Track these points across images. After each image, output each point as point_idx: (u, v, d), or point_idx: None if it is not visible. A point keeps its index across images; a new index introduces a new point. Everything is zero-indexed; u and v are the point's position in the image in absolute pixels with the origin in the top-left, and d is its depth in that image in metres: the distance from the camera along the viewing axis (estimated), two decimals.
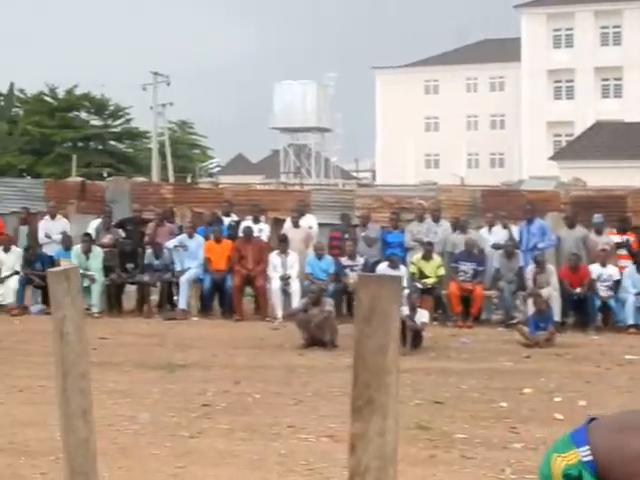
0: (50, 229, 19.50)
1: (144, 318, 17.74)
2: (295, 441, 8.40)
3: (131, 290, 18.96)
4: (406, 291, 14.54)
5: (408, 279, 16.89)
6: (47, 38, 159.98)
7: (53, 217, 19.80)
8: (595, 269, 16.99)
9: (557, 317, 16.07)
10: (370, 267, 17.46)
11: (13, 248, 18.70)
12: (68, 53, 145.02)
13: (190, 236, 18.47)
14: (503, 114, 75.73)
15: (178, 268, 18.25)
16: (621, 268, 17.20)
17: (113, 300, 18.59)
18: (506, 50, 72.02)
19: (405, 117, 75.36)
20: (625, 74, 67.62)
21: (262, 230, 18.94)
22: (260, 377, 11.67)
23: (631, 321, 16.52)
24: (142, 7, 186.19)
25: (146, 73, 58.96)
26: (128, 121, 72.42)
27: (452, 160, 74.06)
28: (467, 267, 17.40)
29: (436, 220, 18.59)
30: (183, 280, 17.93)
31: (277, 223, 20.13)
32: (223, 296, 18.27)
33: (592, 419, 3.55)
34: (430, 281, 17.22)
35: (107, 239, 18.79)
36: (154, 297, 18.58)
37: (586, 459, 3.42)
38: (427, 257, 17.43)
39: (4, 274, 18.27)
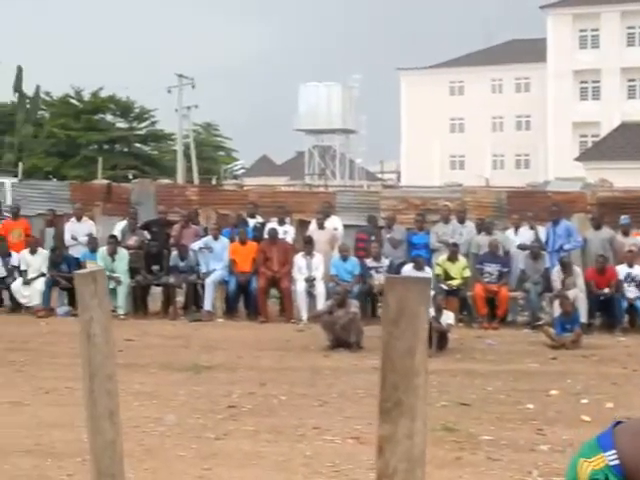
0: (76, 231, 19.56)
1: (169, 320, 17.77)
2: (320, 443, 8.39)
3: (157, 292, 19.00)
4: (432, 292, 14.49)
5: (433, 280, 16.84)
6: (73, 41, 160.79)
7: (79, 219, 19.87)
8: (622, 270, 16.90)
9: (583, 318, 15.98)
10: (395, 269, 17.43)
11: (39, 250, 18.78)
12: (94, 56, 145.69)
13: (215, 238, 18.50)
14: (529, 115, 75.44)
15: (203, 270, 18.27)
16: None
17: (139, 302, 18.64)
18: (532, 51, 71.71)
19: (430, 118, 75.18)
20: None
21: (287, 232, 18.94)
22: (285, 379, 11.66)
23: None
24: (167, 10, 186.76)
25: (171, 75, 59.11)
26: (153, 123, 72.69)
27: (477, 161, 73.82)
28: (492, 268, 17.34)
29: (461, 221, 18.54)
30: (208, 282, 17.95)
31: (302, 225, 20.12)
32: (248, 298, 18.27)
33: (618, 422, 3.52)
34: (455, 282, 17.17)
35: (133, 241, 18.83)
36: (179, 299, 18.62)
37: (613, 463, 3.39)
38: (452, 258, 17.38)
39: (30, 276, 18.34)
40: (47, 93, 72.69)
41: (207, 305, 17.97)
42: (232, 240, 18.52)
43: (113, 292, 17.21)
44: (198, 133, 76.43)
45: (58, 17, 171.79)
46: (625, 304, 16.68)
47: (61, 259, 18.50)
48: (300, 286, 17.65)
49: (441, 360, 12.82)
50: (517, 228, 18.30)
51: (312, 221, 19.28)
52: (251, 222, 19.43)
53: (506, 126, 76.81)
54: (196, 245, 18.44)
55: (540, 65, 70.69)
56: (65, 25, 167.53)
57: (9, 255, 18.83)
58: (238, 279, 18.02)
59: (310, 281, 17.62)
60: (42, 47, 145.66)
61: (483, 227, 18.27)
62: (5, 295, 19.28)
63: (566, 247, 17.64)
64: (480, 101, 74.74)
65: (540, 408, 10.05)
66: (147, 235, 19.18)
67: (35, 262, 18.55)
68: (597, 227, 17.93)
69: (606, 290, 16.62)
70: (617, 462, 3.37)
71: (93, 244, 18.65)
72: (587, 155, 53.22)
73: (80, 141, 67.49)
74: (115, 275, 17.56)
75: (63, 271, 18.25)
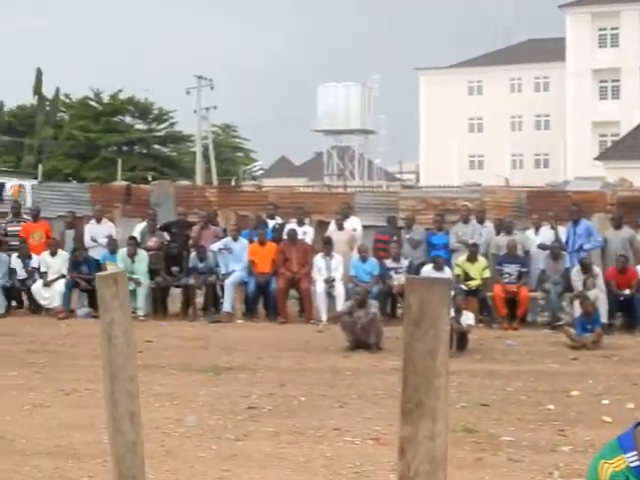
0: (96, 233, 19.61)
1: (189, 321, 17.79)
2: (341, 444, 8.38)
3: (176, 293, 19.03)
4: (451, 293, 14.45)
5: (453, 281, 16.79)
6: (92, 43, 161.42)
7: (99, 221, 19.92)
8: None
9: (604, 319, 15.89)
10: (414, 269, 17.40)
11: (59, 252, 18.83)
12: (113, 58, 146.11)
13: (234, 239, 18.51)
14: (548, 114, 75.22)
15: (223, 271, 18.29)
16: None
17: (158, 303, 18.66)
18: (551, 50, 71.51)
19: (449, 118, 75.06)
20: None
21: (306, 233, 18.94)
22: (305, 380, 11.65)
23: None
24: (185, 12, 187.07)
25: (190, 77, 59.27)
26: (172, 125, 72.86)
27: (496, 161, 73.65)
28: (511, 269, 17.28)
29: (481, 221, 18.49)
30: (228, 283, 17.96)
31: (321, 225, 20.12)
32: (268, 299, 18.27)
33: (639, 423, 3.50)
34: (475, 283, 17.12)
35: (152, 242, 18.86)
36: (199, 300, 18.64)
37: (634, 465, 3.37)
38: (472, 259, 17.32)
39: (51, 277, 18.39)
40: (66, 95, 72.99)
41: (226, 306, 17.98)
42: (251, 241, 18.53)
43: (133, 293, 17.24)
44: (217, 134, 76.58)
45: (78, 19, 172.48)
46: None
47: (81, 261, 18.55)
48: (319, 287, 17.63)
49: (461, 361, 12.78)
50: (537, 228, 18.24)
51: (331, 222, 19.26)
52: (270, 223, 19.44)
53: (525, 126, 76.64)
54: (215, 246, 18.46)
55: (559, 64, 70.50)
56: (84, 27, 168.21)
57: (29, 257, 18.89)
58: (257, 280, 18.02)
59: (329, 282, 17.61)
60: (61, 49, 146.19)
61: (503, 227, 18.21)
62: (25, 297, 19.35)
63: (586, 247, 17.57)
64: (499, 101, 74.60)
65: (561, 409, 10.01)
66: (167, 236, 19.21)
67: (55, 264, 18.60)
68: (617, 227, 17.85)
69: (626, 290, 16.55)
70: (638, 463, 3.36)
71: (113, 246, 18.69)
72: (607, 154, 53.00)
73: (99, 143, 67.72)
74: (135, 276, 17.59)
75: (83, 273, 18.31)
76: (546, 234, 18.02)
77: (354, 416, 9.52)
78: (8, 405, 10.08)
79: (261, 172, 77.51)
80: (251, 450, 8.12)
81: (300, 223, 19.06)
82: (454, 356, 12.91)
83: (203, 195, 23.38)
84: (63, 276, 18.41)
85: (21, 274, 18.80)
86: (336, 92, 76.27)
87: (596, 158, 54.60)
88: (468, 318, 14.12)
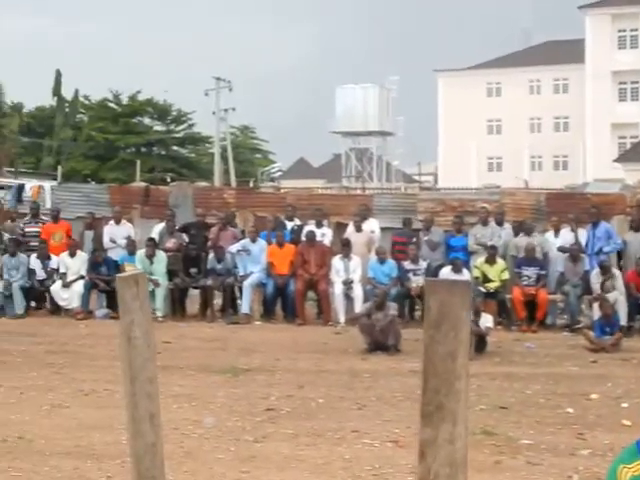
0: (115, 234, 19.67)
1: (207, 322, 17.82)
2: (359, 446, 8.37)
3: (194, 294, 19.06)
4: None
5: (471, 283, 16.74)
6: (111, 45, 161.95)
7: (118, 222, 19.97)
8: None
9: (623, 321, 15.83)
10: (433, 271, 17.37)
11: (78, 253, 18.89)
12: (132, 60, 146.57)
13: (253, 240, 18.53)
14: (567, 116, 75.00)
15: (241, 272, 18.31)
16: None
17: (177, 304, 18.69)
18: (570, 51, 71.32)
19: (467, 120, 74.93)
20: None
21: (325, 234, 18.93)
22: (323, 382, 11.65)
23: None
24: (204, 13, 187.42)
25: (208, 79, 59.32)
26: (190, 126, 73.08)
27: (515, 163, 73.47)
28: (530, 272, 17.23)
29: (500, 223, 18.44)
30: (246, 284, 17.98)
31: (339, 227, 20.12)
32: (286, 300, 18.28)
33: None
34: (494, 285, 17.07)
35: (171, 244, 18.89)
36: (217, 301, 18.66)
37: None
38: (491, 261, 17.29)
39: (70, 278, 18.45)
40: (86, 97, 73.29)
41: (245, 308, 18.00)
42: (269, 242, 18.54)
43: (151, 294, 17.25)
44: (235, 136, 76.69)
45: (97, 22, 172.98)
46: None
47: (100, 262, 18.60)
48: (338, 289, 17.63)
49: (480, 363, 12.74)
50: (557, 230, 18.18)
51: (349, 224, 19.26)
52: (289, 225, 19.44)
53: (544, 127, 76.44)
54: (234, 248, 18.48)
55: (578, 66, 70.31)
56: (103, 29, 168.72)
57: (48, 258, 18.96)
58: (276, 282, 18.03)
59: (348, 284, 17.60)
60: (81, 51, 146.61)
61: (523, 229, 18.16)
62: (45, 297, 19.42)
63: (605, 249, 17.50)
64: (518, 102, 74.41)
65: (580, 412, 9.97)
66: (185, 238, 19.24)
67: (74, 265, 18.66)
68: (637, 229, 17.77)
69: None
70: None
71: (132, 247, 18.74)
72: (626, 156, 52.86)
73: (118, 144, 67.96)
74: (153, 278, 17.62)
75: (102, 274, 18.38)
76: (566, 236, 17.96)
77: (372, 418, 9.51)
78: (27, 405, 10.11)
79: (279, 174, 77.50)
80: (270, 452, 8.12)
81: (318, 225, 19.06)
82: (473, 359, 12.86)
83: (221, 196, 23.41)
84: (82, 277, 18.47)
85: (40, 275, 18.88)
86: (354, 94, 76.19)
87: (615, 160, 54.48)
88: (487, 320, 14.08)
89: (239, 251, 18.44)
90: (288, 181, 65.80)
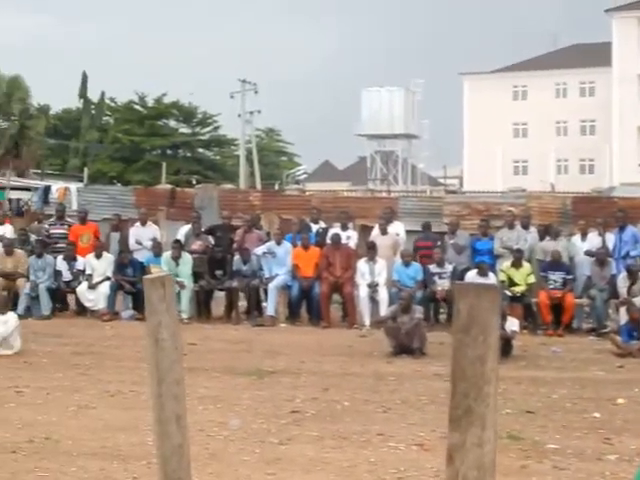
0: (141, 235, 19.72)
1: (232, 324, 17.84)
2: (385, 449, 8.35)
3: (219, 296, 19.09)
4: None
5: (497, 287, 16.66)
6: (137, 47, 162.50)
7: (144, 224, 20.03)
8: None
9: None
10: (459, 275, 17.32)
11: (104, 254, 18.95)
12: (157, 62, 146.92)
13: (278, 243, 18.54)
14: (593, 119, 74.67)
15: (266, 275, 18.32)
16: None
17: (202, 306, 18.73)
18: (596, 55, 71.01)
19: (493, 123, 74.75)
20: None
21: (350, 237, 18.92)
22: (348, 384, 11.64)
23: None
24: (229, 16, 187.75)
25: (234, 81, 59.43)
26: (216, 129, 73.31)
27: (540, 166, 73.21)
28: (556, 276, 17.16)
29: (526, 227, 18.38)
30: (271, 287, 17.99)
31: (365, 230, 20.11)
32: (311, 303, 18.28)
33: None
34: (520, 289, 17.01)
35: (197, 246, 18.94)
36: (242, 303, 18.68)
37: None
38: (517, 265, 17.22)
39: (96, 280, 18.51)
40: (112, 99, 73.72)
41: (270, 310, 18.01)
42: (294, 245, 18.55)
43: (177, 296, 17.22)
44: (260, 138, 76.85)
45: (123, 24, 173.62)
46: None
47: (126, 263, 18.66)
48: (363, 291, 17.61)
49: (505, 367, 12.67)
50: (584, 234, 18.10)
51: (375, 226, 19.24)
52: (314, 227, 19.45)
53: (570, 131, 76.13)
54: (259, 250, 18.50)
55: (605, 69, 69.98)
56: (129, 32, 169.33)
57: (75, 259, 19.04)
58: (301, 284, 18.04)
59: (373, 286, 17.58)
60: (107, 53, 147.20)
61: (550, 233, 18.10)
62: (71, 299, 19.50)
63: (632, 253, 17.42)
64: (544, 106, 74.15)
65: (607, 417, 9.92)
66: (211, 240, 19.28)
67: (100, 266, 18.72)
68: None
69: None
70: None
71: (157, 248, 18.79)
72: None
73: (144, 146, 68.27)
74: (179, 280, 17.66)
75: (128, 275, 18.44)
76: (593, 240, 17.88)
77: (398, 421, 9.49)
78: (54, 406, 10.15)
79: (304, 176, 77.62)
80: (295, 454, 8.11)
81: (344, 227, 19.05)
82: (498, 362, 12.82)
83: (247, 199, 23.49)
84: (108, 278, 18.53)
85: (66, 276, 18.96)
86: (380, 96, 76.18)
87: None
88: (512, 324, 14.02)
89: (264, 253, 18.46)
90: (313, 184, 65.84)
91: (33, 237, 20.19)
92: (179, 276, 17.80)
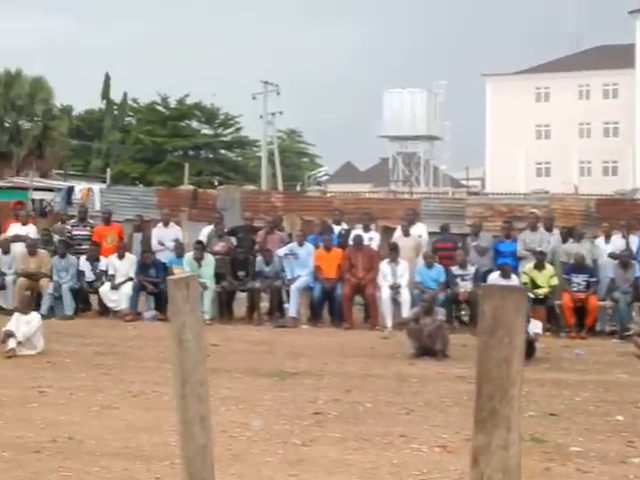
0: (163, 236, 19.76)
1: (254, 325, 17.85)
2: (408, 451, 8.33)
3: (241, 297, 19.11)
4: None
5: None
6: (159, 49, 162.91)
7: (166, 224, 20.07)
8: None
9: None
10: (481, 276, 17.27)
11: (127, 255, 19.00)
12: (179, 63, 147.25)
13: (300, 244, 18.55)
14: (617, 121, 74.41)
15: (288, 276, 18.32)
16: None
17: (224, 307, 18.76)
18: (620, 56, 70.76)
19: (516, 125, 74.60)
20: None
21: (372, 238, 18.90)
22: (371, 386, 11.63)
23: None
24: (251, 17, 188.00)
25: (256, 82, 59.50)
26: (238, 130, 73.40)
27: (563, 168, 73.00)
28: (579, 279, 17.09)
29: (549, 229, 18.32)
30: (293, 288, 17.99)
31: (387, 232, 20.08)
32: (333, 304, 18.27)
33: None
34: (542, 291, 16.94)
35: (219, 247, 18.96)
36: (264, 304, 18.68)
37: None
38: (539, 267, 17.15)
39: (118, 280, 18.57)
40: (134, 100, 73.88)
41: (292, 311, 18.01)
42: (317, 246, 18.55)
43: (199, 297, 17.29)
44: (282, 140, 76.91)
45: (144, 24, 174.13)
46: None
47: (149, 264, 18.71)
48: (385, 293, 17.59)
49: (528, 370, 12.59)
50: (608, 236, 18.01)
51: (397, 228, 19.21)
52: (336, 229, 19.44)
53: (593, 132, 75.89)
54: (281, 251, 18.51)
55: (629, 71, 69.75)
56: (152, 33, 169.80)
57: (98, 260, 19.10)
58: (323, 285, 18.03)
59: (395, 288, 17.56)
60: (129, 55, 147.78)
61: (573, 235, 18.03)
62: (93, 299, 19.57)
63: None
64: (567, 107, 73.96)
65: (630, 420, 9.87)
66: (233, 241, 19.31)
67: (123, 267, 18.77)
68: None
69: None
70: None
71: (180, 249, 18.83)
72: None
73: (166, 147, 68.42)
74: (201, 280, 17.67)
75: (150, 276, 18.49)
76: (617, 242, 17.80)
77: (420, 423, 9.47)
78: (77, 406, 10.19)
79: (326, 177, 77.65)
80: (317, 455, 8.11)
81: (366, 229, 19.03)
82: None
83: (269, 200, 23.52)
84: (131, 279, 18.58)
85: (89, 276, 19.02)
86: (402, 98, 76.12)
87: None
88: (535, 326, 13.96)
89: (287, 255, 18.46)
90: (335, 185, 65.86)
91: (56, 237, 20.27)
92: (201, 277, 17.80)
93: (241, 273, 18.56)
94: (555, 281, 17.10)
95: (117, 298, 18.54)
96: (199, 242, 18.70)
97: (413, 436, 8.84)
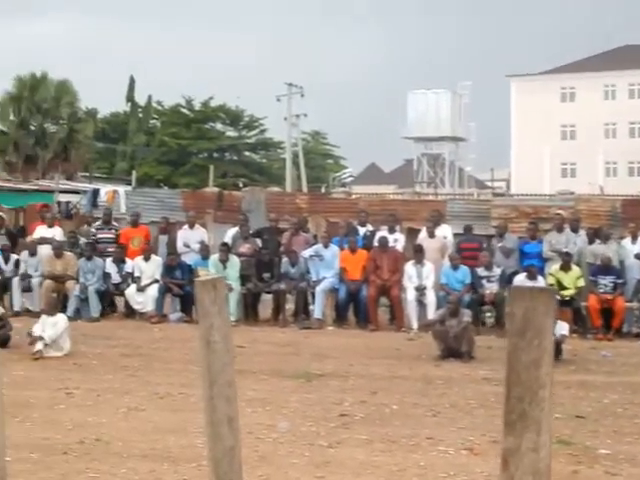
0: (188, 238, 19.81)
1: (280, 327, 17.86)
2: (434, 453, 8.31)
3: (267, 299, 19.12)
4: None
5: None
6: (183, 51, 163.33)
7: (192, 227, 20.12)
8: None
9: None
10: (507, 278, 17.21)
11: (153, 257, 19.06)
12: (204, 66, 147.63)
13: (325, 246, 18.54)
14: None
15: (314, 278, 18.32)
16: None
17: (249, 309, 18.77)
18: None
19: (541, 125, 74.34)
20: None
21: (397, 240, 18.88)
22: (397, 388, 11.61)
23: None
24: (275, 19, 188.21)
25: (280, 84, 59.56)
26: (262, 132, 73.48)
27: (589, 169, 72.68)
28: (606, 281, 17.00)
29: (575, 230, 18.23)
30: (319, 290, 17.99)
31: (412, 233, 20.04)
32: (358, 306, 18.25)
33: None
34: (569, 292, 16.86)
35: (245, 248, 18.99)
36: (289, 306, 18.69)
37: None
38: (566, 268, 17.07)
39: (144, 282, 18.62)
40: (159, 102, 74.10)
41: (317, 313, 18.01)
42: (342, 248, 18.54)
43: None
44: (307, 141, 76.94)
45: (169, 27, 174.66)
46: None
47: (175, 266, 18.75)
48: (410, 295, 17.56)
49: (555, 371, 12.49)
50: (634, 237, 17.90)
51: (422, 229, 19.18)
52: (361, 230, 19.44)
53: (619, 133, 75.53)
54: (306, 253, 18.51)
55: None
56: (176, 35, 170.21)
57: (123, 262, 19.17)
58: (348, 287, 18.02)
59: (420, 290, 17.52)
60: (154, 57, 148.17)
61: (600, 236, 17.94)
62: (119, 301, 19.64)
63: None
64: (592, 107, 73.62)
65: None
66: (259, 243, 19.33)
67: (148, 269, 18.83)
68: None
69: None
70: None
71: (205, 251, 18.87)
72: None
73: (190, 150, 68.61)
74: (227, 282, 17.67)
75: (176, 278, 18.52)
76: None
77: (447, 425, 9.45)
78: (104, 408, 10.23)
79: (350, 179, 77.65)
80: (344, 457, 8.10)
81: (391, 230, 19.01)
82: None
83: (294, 202, 23.51)
84: (156, 281, 18.63)
85: (115, 278, 19.09)
86: (426, 99, 76.12)
87: None
88: (562, 328, 13.90)
89: (312, 256, 18.47)
90: (359, 186, 65.83)
91: (82, 240, 20.37)
92: (227, 279, 17.76)
93: (266, 275, 18.57)
94: (581, 282, 17.02)
95: (143, 300, 18.60)
96: (224, 244, 18.73)
97: (440, 438, 8.83)
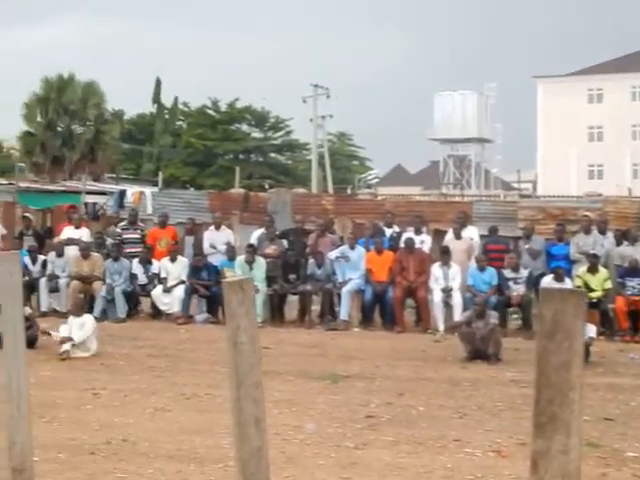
0: (215, 239, 19.85)
1: (306, 328, 17.85)
2: (461, 455, 8.29)
3: (293, 300, 19.12)
4: None
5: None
6: (209, 52, 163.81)
7: (218, 228, 20.16)
8: None
9: None
10: (534, 280, 17.14)
11: (179, 258, 19.10)
12: (230, 67, 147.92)
13: (352, 247, 18.52)
14: None
15: (340, 279, 18.30)
16: None
17: (275, 310, 18.77)
18: None
19: (567, 127, 73.96)
20: None
21: (424, 241, 18.83)
22: (423, 389, 11.59)
23: None
24: (301, 21, 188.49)
25: (306, 86, 59.56)
26: (288, 133, 73.57)
27: (616, 171, 72.22)
28: (634, 282, 16.90)
29: (602, 232, 18.14)
30: (345, 291, 17.97)
31: (438, 234, 19.99)
32: (384, 307, 18.22)
33: None
34: (596, 294, 16.76)
35: (271, 250, 19.00)
36: (315, 307, 18.69)
37: None
38: (593, 270, 16.98)
39: (170, 283, 18.66)
40: (185, 104, 74.34)
41: (343, 314, 17.99)
42: (368, 249, 18.52)
43: None
44: (332, 143, 76.92)
45: (195, 29, 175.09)
46: None
47: (201, 267, 18.78)
48: (437, 296, 17.51)
49: (583, 374, 12.49)
50: None
51: (449, 231, 19.13)
52: (388, 232, 19.41)
53: None
54: (333, 254, 18.50)
55: None
56: (202, 37, 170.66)
57: (150, 263, 19.22)
58: (374, 289, 17.99)
59: (447, 291, 17.47)
60: (180, 59, 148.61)
61: (627, 237, 17.84)
62: (146, 302, 19.69)
63: None
64: (620, 109, 73.18)
65: None
66: (285, 244, 19.34)
67: (175, 270, 18.87)
68: None
69: None
70: None
71: (231, 252, 18.89)
72: None
73: (216, 151, 68.75)
74: (253, 284, 17.67)
75: (203, 279, 18.55)
76: None
77: (474, 427, 9.42)
78: (131, 408, 10.26)
79: (376, 180, 77.54)
80: (371, 459, 8.09)
81: (417, 232, 18.97)
82: None
83: (319, 203, 23.50)
84: (183, 282, 18.66)
85: (142, 279, 19.14)
86: (452, 100, 75.98)
87: None
88: (589, 330, 13.80)
89: (338, 258, 18.45)
90: (385, 188, 65.73)
91: (109, 241, 20.44)
92: (253, 280, 17.78)
93: (292, 276, 18.58)
94: (609, 284, 16.93)
95: (169, 301, 18.64)
96: (250, 245, 18.75)
97: (467, 440, 8.80)
